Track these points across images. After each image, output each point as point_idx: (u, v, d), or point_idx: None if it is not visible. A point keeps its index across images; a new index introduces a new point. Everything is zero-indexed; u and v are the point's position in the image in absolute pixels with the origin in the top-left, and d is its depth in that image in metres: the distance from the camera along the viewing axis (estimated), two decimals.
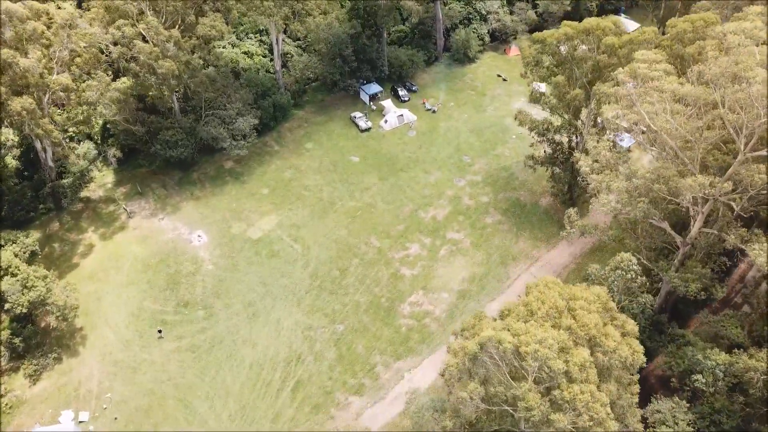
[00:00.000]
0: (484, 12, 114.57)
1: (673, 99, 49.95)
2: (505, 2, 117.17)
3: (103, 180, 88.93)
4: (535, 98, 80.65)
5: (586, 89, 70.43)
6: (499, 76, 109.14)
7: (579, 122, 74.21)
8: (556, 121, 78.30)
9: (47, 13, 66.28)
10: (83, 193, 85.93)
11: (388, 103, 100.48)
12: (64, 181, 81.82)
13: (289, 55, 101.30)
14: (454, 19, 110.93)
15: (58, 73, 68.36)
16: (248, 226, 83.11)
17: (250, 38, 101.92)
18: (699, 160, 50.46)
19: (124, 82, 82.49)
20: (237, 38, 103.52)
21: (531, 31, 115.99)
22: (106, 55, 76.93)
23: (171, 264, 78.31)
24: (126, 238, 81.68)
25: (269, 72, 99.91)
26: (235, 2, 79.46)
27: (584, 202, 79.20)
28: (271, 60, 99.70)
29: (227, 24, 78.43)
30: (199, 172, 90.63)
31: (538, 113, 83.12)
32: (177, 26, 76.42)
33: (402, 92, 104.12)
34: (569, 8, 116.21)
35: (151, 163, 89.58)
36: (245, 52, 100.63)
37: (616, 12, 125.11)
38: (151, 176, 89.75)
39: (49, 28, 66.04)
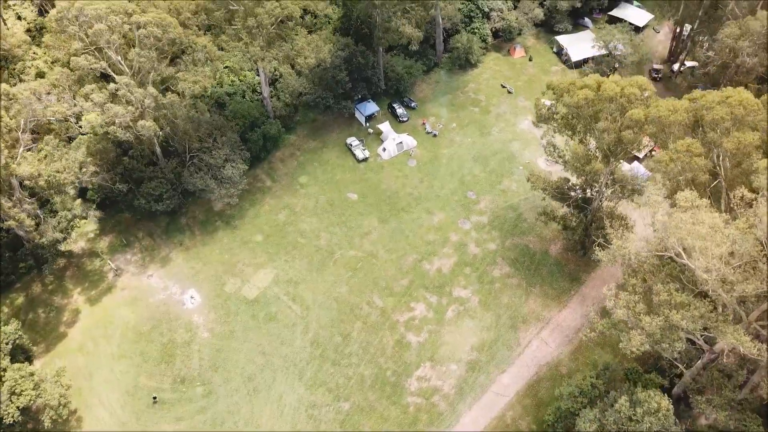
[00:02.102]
0: (486, 9, 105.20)
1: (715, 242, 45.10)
2: None
3: (84, 228, 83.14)
4: (542, 118, 74.15)
5: (606, 158, 64.85)
6: (503, 87, 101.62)
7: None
8: (571, 175, 72.89)
9: (7, 95, 58.53)
10: (65, 247, 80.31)
11: (386, 128, 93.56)
12: (42, 239, 76.01)
13: (277, 73, 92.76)
14: (454, 19, 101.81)
15: (22, 155, 61.43)
16: (243, 282, 78.70)
17: (235, 54, 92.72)
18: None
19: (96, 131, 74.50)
20: (219, 48, 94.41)
21: (537, 27, 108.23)
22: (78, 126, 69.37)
23: (164, 332, 74.45)
24: (114, 300, 77.20)
25: (256, 92, 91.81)
26: (217, 49, 71.05)
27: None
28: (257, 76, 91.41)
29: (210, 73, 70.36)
30: (187, 217, 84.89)
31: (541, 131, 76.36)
32: (151, 79, 68.52)
33: (400, 110, 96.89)
34: (579, 4, 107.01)
35: (134, 212, 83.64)
36: (227, 67, 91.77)
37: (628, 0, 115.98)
38: (135, 223, 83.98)
39: (8, 110, 58.56)
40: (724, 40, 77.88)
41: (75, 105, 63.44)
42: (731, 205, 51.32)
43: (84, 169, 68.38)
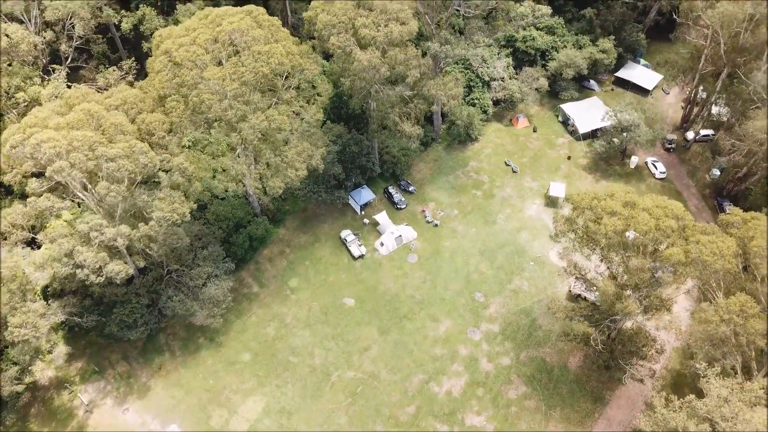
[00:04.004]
0: (487, 78, 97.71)
1: None
2: (511, 64, 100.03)
3: (52, 353, 74.40)
4: (561, 233, 66.53)
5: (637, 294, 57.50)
6: (507, 164, 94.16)
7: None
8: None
9: None
10: (28, 378, 71.55)
11: (383, 218, 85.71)
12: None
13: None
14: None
15: None
16: (230, 414, 70.37)
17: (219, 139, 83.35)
18: None
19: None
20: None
21: (540, 92, 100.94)
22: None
23: None
24: None
25: (241, 182, 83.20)
26: (195, 177, 62.82)
27: (620, 369, 67.85)
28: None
29: (187, 198, 61.99)
30: (166, 334, 76.46)
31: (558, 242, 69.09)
32: (122, 211, 60.10)
33: (397, 196, 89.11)
34: (585, 71, 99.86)
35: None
36: (206, 151, 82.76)
37: (635, 57, 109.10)
38: (108, 345, 75.34)
39: None
40: (754, 134, 70.91)
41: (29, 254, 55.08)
42: None
43: (46, 315, 59.91)
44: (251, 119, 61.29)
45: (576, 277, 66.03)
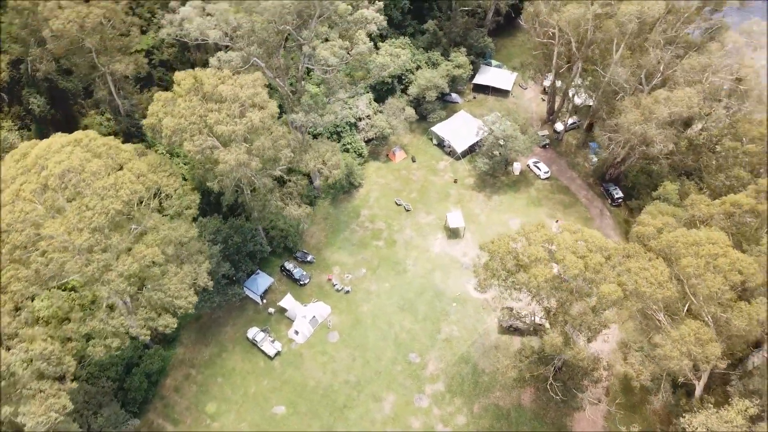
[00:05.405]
0: (353, 120, 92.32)
1: None
2: (371, 98, 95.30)
3: None
4: (486, 284, 63.38)
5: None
6: (398, 204, 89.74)
7: None
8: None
9: None
10: None
11: (289, 302, 77.86)
12: None
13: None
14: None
15: None
16: None
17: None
18: None
19: None
20: None
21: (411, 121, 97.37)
22: None
23: None
24: None
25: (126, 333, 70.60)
26: (65, 352, 51.19)
27: (574, 396, 66.23)
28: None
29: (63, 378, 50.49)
30: None
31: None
32: None
33: (296, 271, 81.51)
34: (447, 91, 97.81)
35: None
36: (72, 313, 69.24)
37: (486, 59, 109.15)
38: None
39: None
40: (630, 128, 71.85)
41: None
42: None
43: None
44: (117, 266, 51.06)
45: (511, 318, 63.25)
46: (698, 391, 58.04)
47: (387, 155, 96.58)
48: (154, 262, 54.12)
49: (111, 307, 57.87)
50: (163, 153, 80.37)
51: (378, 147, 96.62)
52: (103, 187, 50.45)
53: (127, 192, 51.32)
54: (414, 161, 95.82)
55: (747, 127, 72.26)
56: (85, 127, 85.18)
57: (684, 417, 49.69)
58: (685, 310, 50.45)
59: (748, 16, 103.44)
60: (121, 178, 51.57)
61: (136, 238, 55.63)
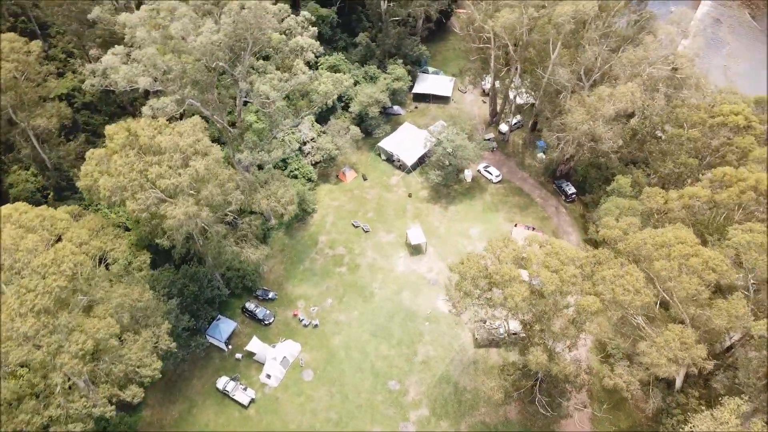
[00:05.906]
0: (297, 144, 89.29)
1: None
2: (313, 121, 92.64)
3: None
4: (460, 306, 62.15)
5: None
6: (356, 226, 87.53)
7: None
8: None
9: None
10: None
11: (256, 346, 74.45)
12: None
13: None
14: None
15: None
16: None
17: None
18: None
19: None
20: None
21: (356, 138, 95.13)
22: None
23: None
24: None
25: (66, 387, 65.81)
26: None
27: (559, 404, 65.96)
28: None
29: None
30: None
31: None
32: None
33: (259, 311, 78.15)
34: (389, 104, 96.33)
35: None
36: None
37: (422, 67, 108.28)
38: None
39: None
40: (578, 127, 72.12)
41: None
42: None
43: None
44: (70, 347, 46.82)
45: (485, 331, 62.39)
46: (678, 383, 58.69)
47: (337, 176, 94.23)
48: (111, 335, 50.02)
49: (70, 387, 53.27)
50: (101, 207, 75.42)
51: (327, 169, 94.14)
52: (43, 264, 46.15)
53: (70, 265, 47.11)
54: (365, 179, 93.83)
55: (687, 112, 73.86)
56: (10, 186, 79.41)
57: (673, 417, 49.69)
58: (657, 308, 50.60)
59: (668, 4, 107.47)
60: (62, 251, 47.30)
61: (86, 310, 51.38)
